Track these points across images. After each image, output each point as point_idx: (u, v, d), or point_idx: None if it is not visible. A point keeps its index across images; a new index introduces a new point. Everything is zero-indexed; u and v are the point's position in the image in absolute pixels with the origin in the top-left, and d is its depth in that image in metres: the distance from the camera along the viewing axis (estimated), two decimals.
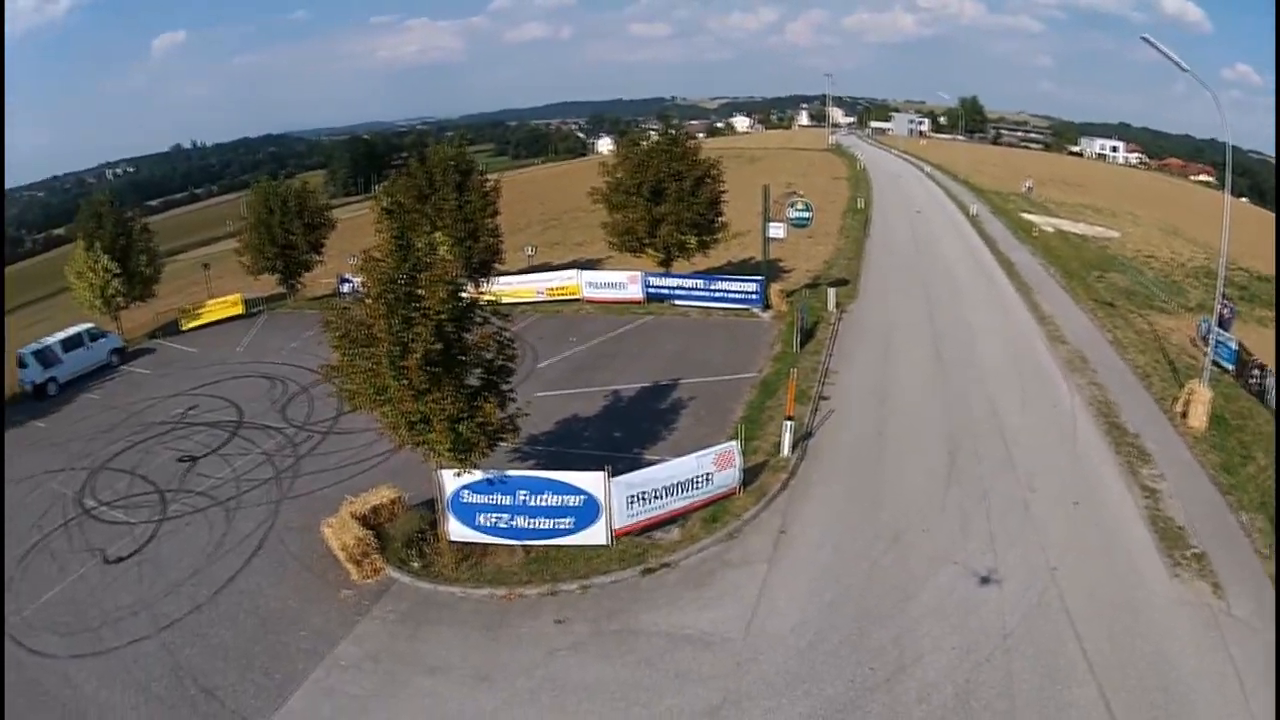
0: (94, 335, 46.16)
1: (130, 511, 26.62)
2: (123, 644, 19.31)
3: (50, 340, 44.78)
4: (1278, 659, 13.37)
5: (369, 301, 18.40)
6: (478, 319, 19.38)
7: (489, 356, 19.56)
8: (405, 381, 17.91)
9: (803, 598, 17.63)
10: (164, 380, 41.86)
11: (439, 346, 17.93)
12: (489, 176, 46.88)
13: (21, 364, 43.52)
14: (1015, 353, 31.56)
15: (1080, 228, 64.95)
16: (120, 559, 23.56)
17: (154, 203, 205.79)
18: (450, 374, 18.55)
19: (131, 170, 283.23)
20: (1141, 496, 20.70)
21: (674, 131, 42.44)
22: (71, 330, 45.82)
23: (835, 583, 17.99)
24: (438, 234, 21.18)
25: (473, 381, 19.37)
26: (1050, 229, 60.71)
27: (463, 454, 19.24)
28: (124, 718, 16.79)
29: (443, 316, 17.89)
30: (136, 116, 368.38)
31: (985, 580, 17.42)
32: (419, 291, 17.97)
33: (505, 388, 20.05)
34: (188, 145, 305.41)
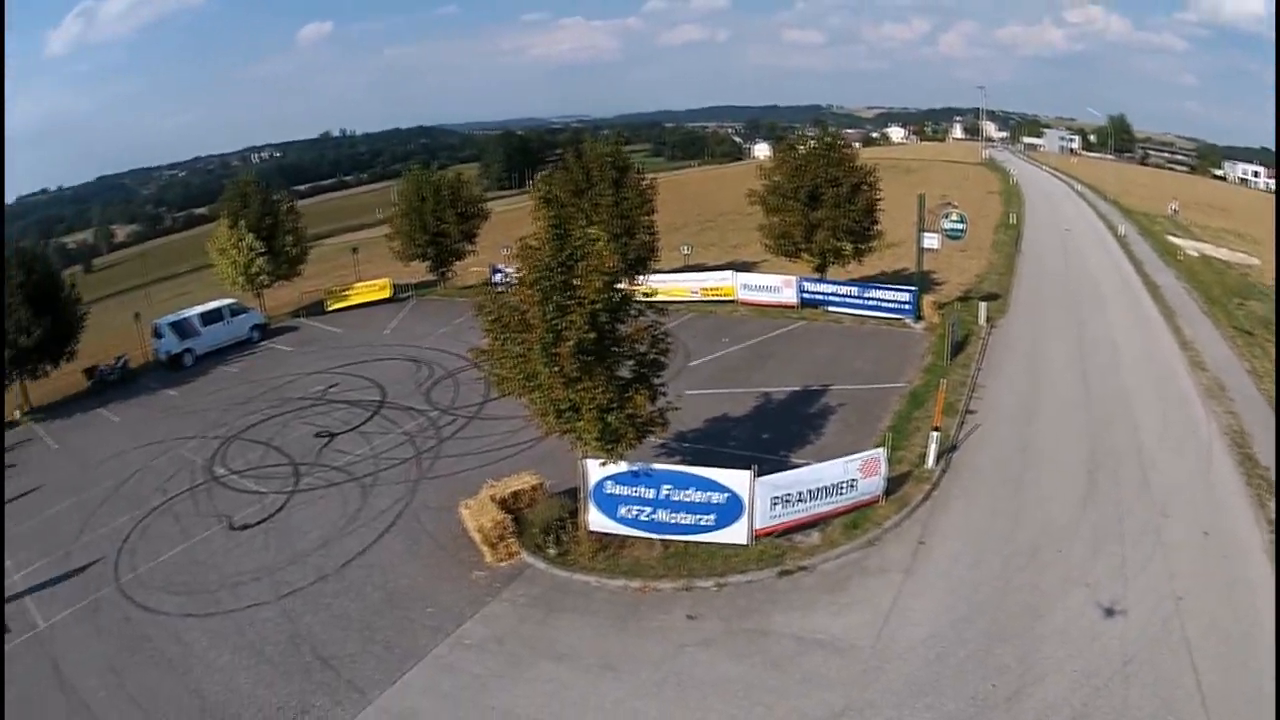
0: (235, 310, 51.61)
1: (261, 481, 29.91)
2: (240, 607, 21.90)
3: (189, 312, 50.31)
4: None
5: (524, 288, 20.29)
6: (633, 311, 21.15)
7: (642, 349, 21.28)
8: (557, 368, 19.69)
9: (935, 610, 18.97)
10: (306, 358, 46.47)
11: (592, 335, 19.60)
12: (646, 175, 50.06)
13: (157, 334, 49.14)
14: (1157, 376, 32.95)
15: (1223, 253, 66.58)
16: (246, 526, 26.55)
17: (301, 187, 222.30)
18: (602, 364, 20.24)
19: (278, 155, 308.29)
20: (1268, 530, 21.21)
21: (831, 137, 44.95)
22: (212, 304, 51.50)
23: (968, 597, 19.32)
24: (593, 229, 23.17)
25: (624, 373, 21.10)
26: (1195, 253, 63.15)
27: (610, 444, 20.83)
28: (232, 678, 19.07)
29: (597, 306, 19.56)
30: (283, 102, 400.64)
31: (1112, 608, 18.39)
32: (575, 280, 19.78)
33: (656, 382, 21.66)
34: (336, 133, 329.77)
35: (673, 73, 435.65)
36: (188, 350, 48.32)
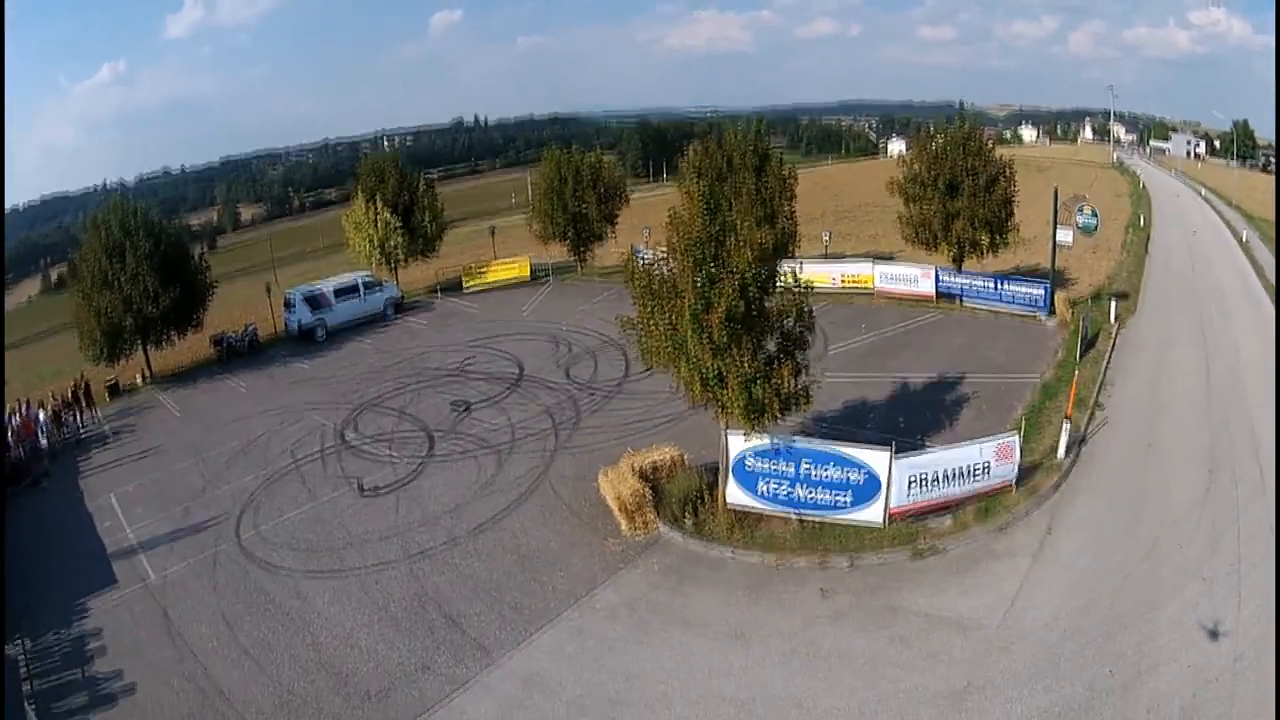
0: (369, 285, 54.55)
1: (395, 448, 31.93)
2: (365, 566, 23.58)
3: (323, 285, 53.49)
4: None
5: (676, 255, 21.70)
6: (779, 286, 22.31)
7: (788, 325, 22.40)
8: (706, 336, 20.97)
9: (1059, 596, 19.95)
10: (442, 333, 49.28)
11: (741, 306, 20.83)
12: (786, 164, 52.23)
13: (288, 305, 52.24)
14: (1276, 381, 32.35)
15: None
16: (376, 489, 28.37)
17: (433, 173, 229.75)
18: (749, 334, 21.40)
19: (410, 140, 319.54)
20: None
21: (970, 127, 46.30)
22: (347, 277, 54.74)
23: (1090, 586, 20.28)
24: (735, 214, 24.62)
25: (770, 347, 22.21)
26: None
27: (755, 416, 21.87)
28: (351, 633, 20.55)
29: (747, 277, 20.87)
30: (415, 88, 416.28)
31: (1228, 599, 18.98)
32: (725, 252, 21.05)
33: (801, 358, 22.72)
34: (469, 120, 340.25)
35: (807, 67, 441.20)
36: (320, 323, 51.30)
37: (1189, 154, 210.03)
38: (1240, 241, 70.83)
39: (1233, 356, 36.43)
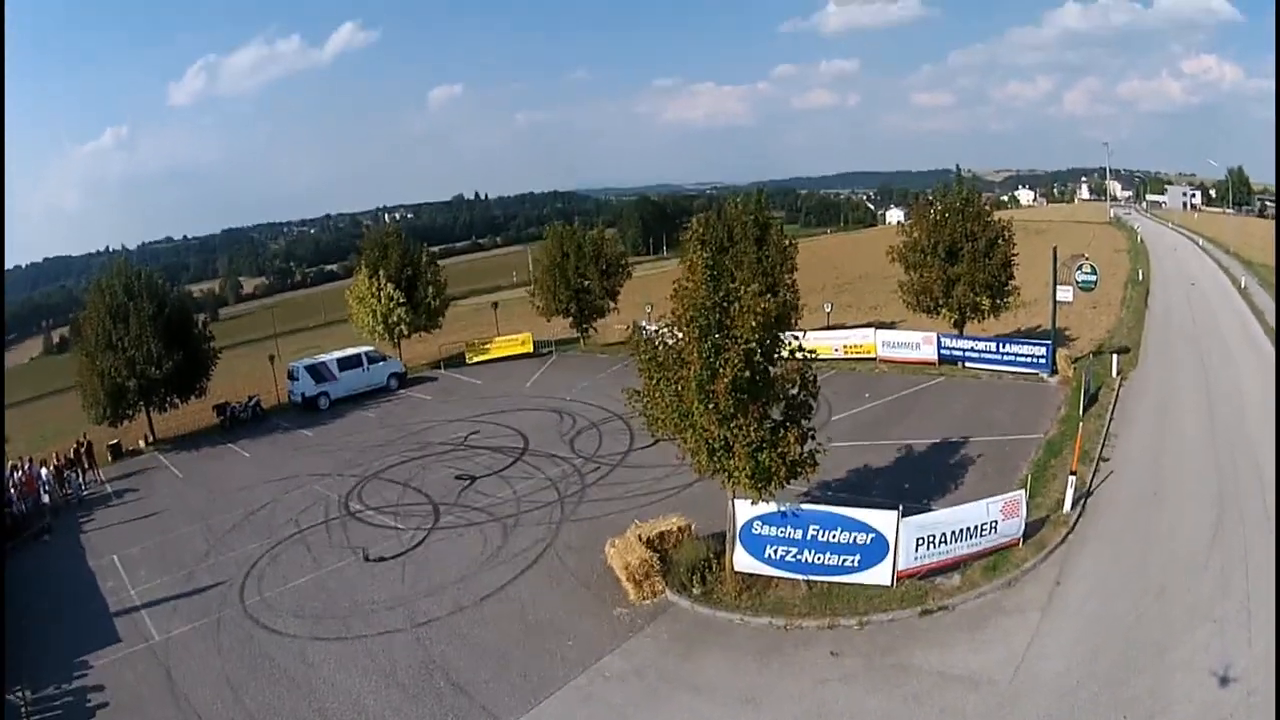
0: (372, 358, 55.43)
1: (400, 519, 32.10)
2: (371, 634, 23.59)
3: (326, 357, 54.27)
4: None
5: (681, 325, 22.11)
6: (783, 354, 22.76)
7: (793, 391, 22.76)
8: (712, 405, 21.33)
9: (1069, 645, 20.11)
10: (445, 406, 49.74)
11: (747, 374, 21.16)
12: (786, 235, 53.82)
13: (292, 376, 52.87)
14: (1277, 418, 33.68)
15: None
16: (382, 559, 28.45)
17: (434, 249, 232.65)
18: (755, 402, 21.74)
19: (410, 215, 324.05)
20: None
21: (968, 193, 47.61)
22: (350, 351, 55.56)
23: (1101, 634, 20.47)
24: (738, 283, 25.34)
25: (775, 415, 22.54)
26: None
27: (761, 483, 22.16)
28: (359, 699, 20.55)
29: (752, 345, 21.24)
30: (415, 164, 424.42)
31: (1238, 637, 19.41)
32: (729, 320, 21.45)
33: (806, 424, 22.94)
34: (470, 196, 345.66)
35: (806, 138, 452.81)
36: (323, 394, 51.96)
37: (1185, 205, 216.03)
38: (1239, 288, 72.51)
39: (1236, 400, 37.20)
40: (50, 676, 22.51)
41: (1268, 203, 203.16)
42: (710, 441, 21.88)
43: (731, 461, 21.93)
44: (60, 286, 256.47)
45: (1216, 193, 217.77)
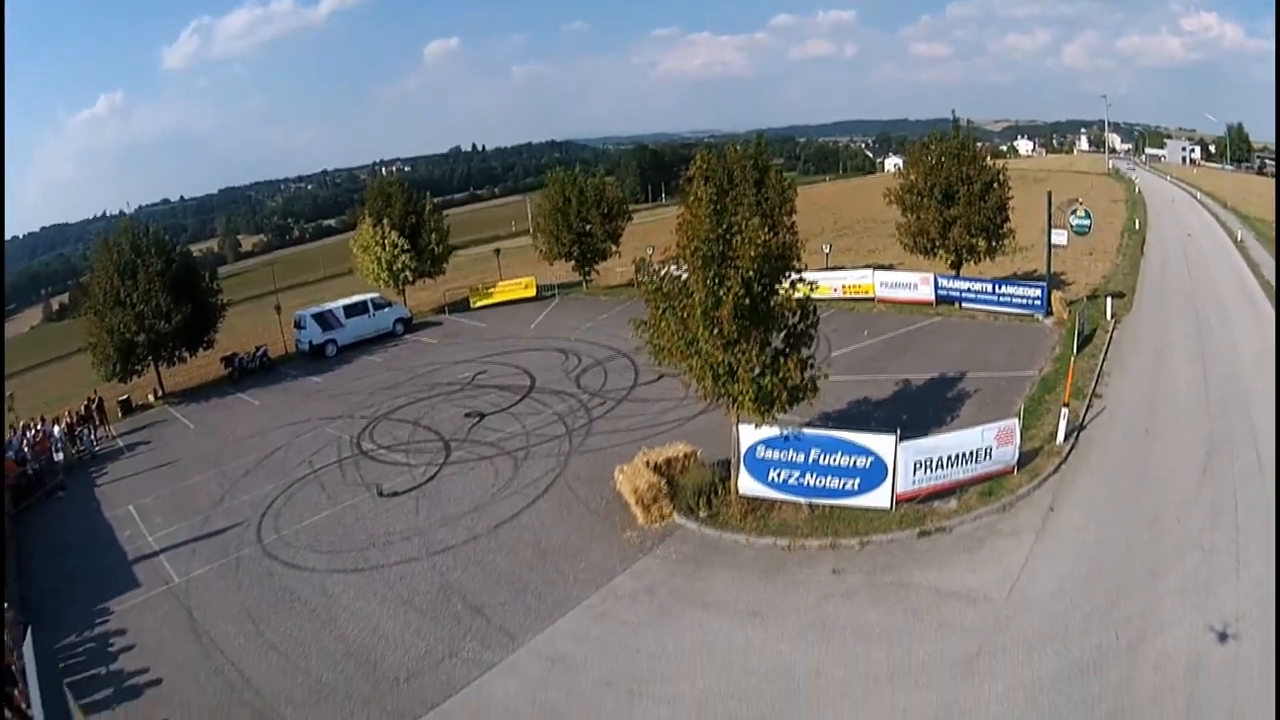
0: (378, 304, 56.19)
1: (411, 456, 32.93)
2: (389, 564, 24.47)
3: (332, 305, 54.94)
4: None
5: (686, 255, 22.82)
6: (784, 286, 23.42)
7: (793, 321, 23.50)
8: (716, 331, 22.13)
9: (1063, 568, 20.98)
10: (451, 349, 50.72)
11: (748, 301, 21.97)
12: (785, 177, 54.93)
13: (299, 325, 53.60)
14: (1272, 371, 33.87)
15: None
16: (396, 493, 29.32)
17: (433, 200, 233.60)
18: (757, 328, 22.57)
19: (407, 169, 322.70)
20: None
21: (964, 137, 48.24)
22: (355, 298, 56.20)
23: (1094, 558, 21.35)
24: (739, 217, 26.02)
25: (776, 343, 23.30)
26: None
27: (764, 407, 22.94)
28: (378, 625, 21.37)
29: (752, 274, 21.94)
30: (412, 118, 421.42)
31: (1227, 566, 20.13)
32: (731, 252, 22.14)
33: (806, 353, 23.73)
34: (467, 148, 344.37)
35: (804, 88, 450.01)
36: (330, 341, 52.89)
37: (1184, 160, 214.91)
38: (1235, 241, 73.15)
39: (1229, 350, 37.69)
40: (72, 625, 22.98)
41: (1267, 160, 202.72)
42: (715, 367, 22.63)
43: (735, 386, 22.66)
44: (58, 254, 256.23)
45: (1216, 149, 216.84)
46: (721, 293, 21.79)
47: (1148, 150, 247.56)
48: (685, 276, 22.89)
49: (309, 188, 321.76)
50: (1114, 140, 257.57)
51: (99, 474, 36.95)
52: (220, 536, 27.84)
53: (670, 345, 23.45)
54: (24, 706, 18.41)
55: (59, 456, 37.85)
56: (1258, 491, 23.29)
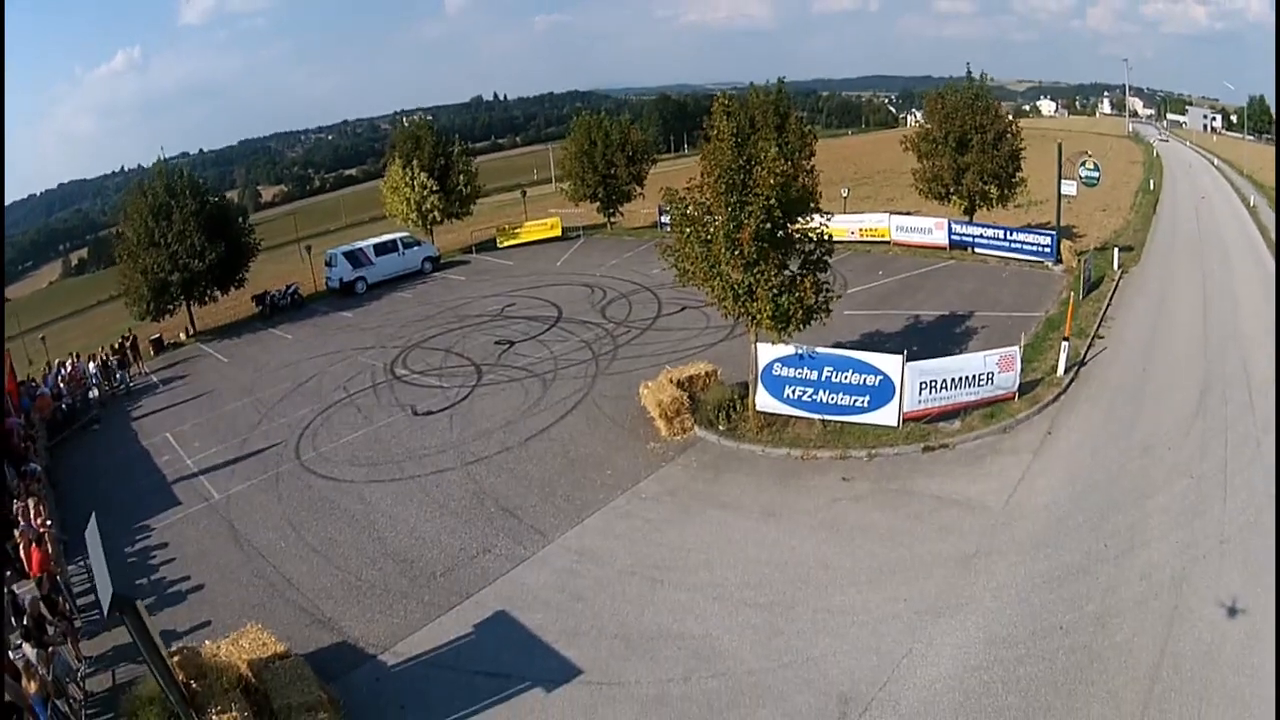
0: (407, 243, 57.92)
1: (444, 379, 34.71)
2: (424, 473, 26.18)
3: (363, 243, 56.64)
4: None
5: (709, 182, 24.54)
6: (801, 212, 25.18)
7: (809, 249, 25.20)
8: (737, 252, 23.78)
9: (1057, 484, 22.39)
10: (480, 284, 52.47)
11: (768, 226, 23.69)
12: (806, 122, 56.13)
13: (329, 263, 55.23)
14: (1271, 323, 34.91)
15: None
16: (430, 412, 31.04)
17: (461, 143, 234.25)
18: (776, 251, 24.24)
19: (429, 118, 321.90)
20: None
21: (978, 87, 49.81)
22: (386, 236, 58.10)
23: (1087, 477, 22.65)
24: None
25: (793, 267, 24.88)
26: None
27: (782, 324, 24.65)
28: (415, 527, 23.03)
29: (772, 201, 23.58)
30: (433, 67, 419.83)
31: (1214, 493, 21.18)
32: (752, 181, 23.82)
33: (821, 277, 25.33)
34: (489, 97, 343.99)
35: (827, 42, 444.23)
36: (360, 279, 54.52)
37: (1205, 128, 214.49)
38: (1248, 206, 73.88)
39: (1231, 302, 38.71)
40: (113, 541, 22.93)
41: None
42: (735, 287, 24.32)
43: (754, 305, 24.35)
44: (76, 210, 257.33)
45: (1237, 119, 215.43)
46: (743, 217, 23.41)
47: (1169, 116, 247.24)
48: (709, 201, 24.53)
49: (329, 138, 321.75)
50: (1136, 105, 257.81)
51: (134, 407, 38.24)
52: (259, 456, 29.35)
53: (694, 268, 25.19)
54: (67, 610, 20.07)
55: (94, 393, 39.05)
56: (1248, 427, 24.53)
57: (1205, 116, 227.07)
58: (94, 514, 14.64)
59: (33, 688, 15.27)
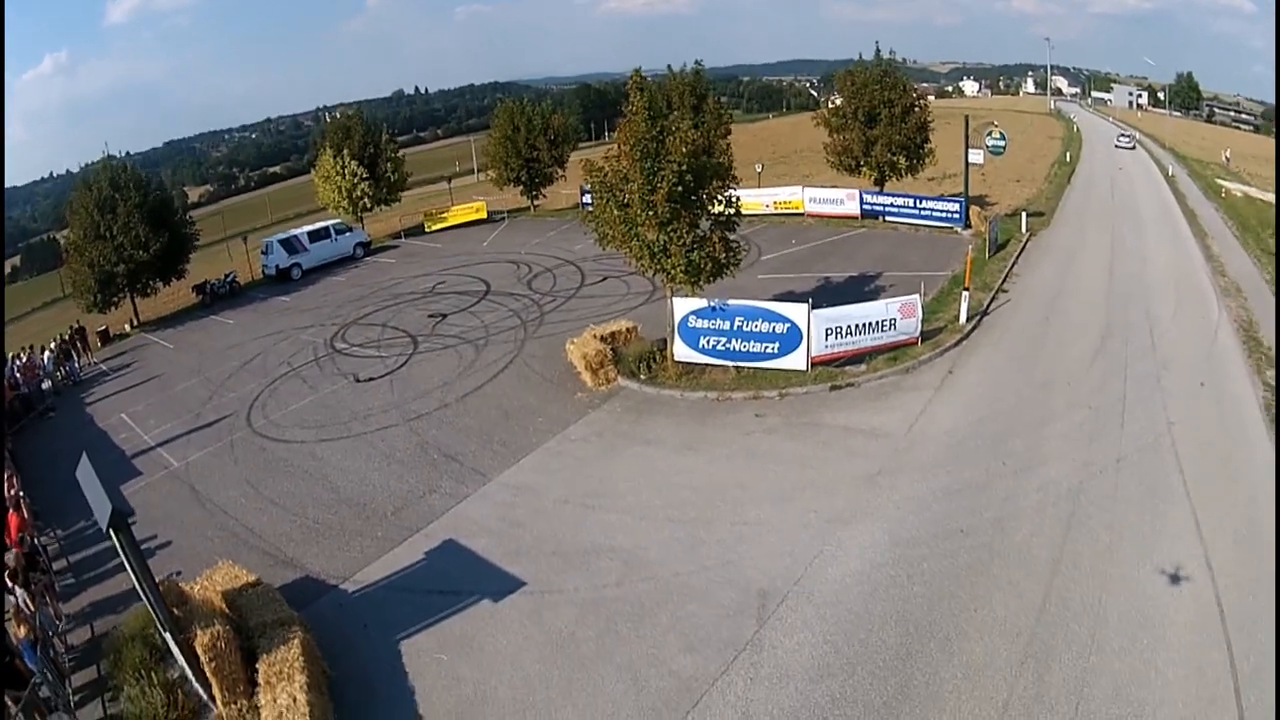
0: (339, 230, 59.21)
1: (383, 349, 36.23)
2: (370, 430, 27.70)
3: (297, 231, 57.92)
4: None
5: (625, 150, 26.47)
6: (712, 178, 27.16)
7: (717, 210, 27.36)
8: (652, 213, 25.85)
9: (958, 413, 24.33)
10: (410, 266, 53.98)
11: (680, 188, 25.58)
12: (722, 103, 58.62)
13: (265, 251, 56.45)
14: (1179, 277, 37.54)
15: (1269, 195, 70.54)
16: (371, 379, 32.58)
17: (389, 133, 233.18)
18: (688, 211, 26.31)
19: (350, 113, 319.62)
20: (1262, 389, 24.79)
21: (886, 63, 51.89)
22: (319, 224, 59.21)
23: (987, 408, 24.58)
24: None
25: (704, 227, 27.03)
26: (1239, 193, 68.36)
27: (693, 277, 26.81)
28: (365, 476, 24.45)
29: (683, 168, 25.55)
30: (354, 63, 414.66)
31: (1112, 421, 23.00)
32: (664, 149, 25.78)
33: (730, 235, 27.56)
34: (410, 91, 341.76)
35: (748, 27, 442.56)
36: (296, 265, 55.71)
37: (1131, 104, 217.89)
38: (1167, 176, 76.04)
39: (1139, 259, 40.89)
40: (78, 516, 23.75)
41: (1216, 109, 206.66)
42: (651, 246, 26.45)
43: (669, 261, 26.51)
44: (6, 218, 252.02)
45: (1165, 95, 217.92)
46: (657, 181, 25.43)
47: (1094, 94, 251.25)
48: (625, 169, 26.58)
49: (253, 136, 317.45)
50: (1060, 83, 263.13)
51: (87, 395, 38.80)
52: (213, 427, 30.39)
53: (613, 231, 27.24)
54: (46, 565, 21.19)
55: (46, 384, 39.40)
56: (1149, 365, 26.68)
57: (1131, 94, 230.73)
58: (84, 453, 15.98)
59: (22, 631, 16.32)
